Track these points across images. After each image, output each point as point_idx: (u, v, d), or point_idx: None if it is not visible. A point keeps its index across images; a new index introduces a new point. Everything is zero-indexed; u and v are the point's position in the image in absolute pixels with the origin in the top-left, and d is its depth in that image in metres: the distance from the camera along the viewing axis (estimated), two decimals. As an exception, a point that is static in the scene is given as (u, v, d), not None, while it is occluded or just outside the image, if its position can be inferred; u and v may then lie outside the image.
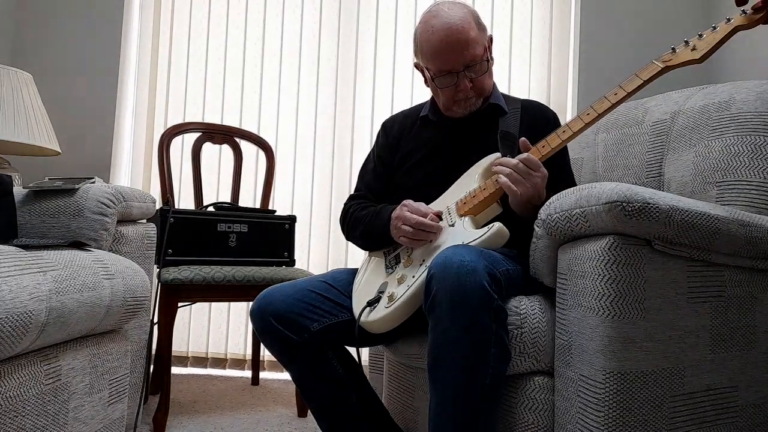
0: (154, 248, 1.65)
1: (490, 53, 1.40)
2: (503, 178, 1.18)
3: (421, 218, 1.23)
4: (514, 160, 1.19)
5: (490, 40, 1.39)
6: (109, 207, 1.46)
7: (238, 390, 2.25)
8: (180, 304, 1.81)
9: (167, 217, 1.81)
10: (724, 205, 1.24)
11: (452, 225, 1.24)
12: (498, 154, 1.31)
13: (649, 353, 0.98)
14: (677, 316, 1.01)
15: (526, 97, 1.50)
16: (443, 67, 1.32)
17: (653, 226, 0.96)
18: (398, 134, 1.51)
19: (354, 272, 1.42)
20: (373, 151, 1.55)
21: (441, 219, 1.26)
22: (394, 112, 1.60)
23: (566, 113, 2.45)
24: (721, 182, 1.27)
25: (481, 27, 1.34)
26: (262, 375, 2.45)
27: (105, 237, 1.45)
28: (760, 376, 1.11)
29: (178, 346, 2.52)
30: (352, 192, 1.56)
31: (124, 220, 1.55)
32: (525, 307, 1.11)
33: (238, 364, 2.57)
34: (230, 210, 2.00)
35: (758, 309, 1.11)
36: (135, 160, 2.54)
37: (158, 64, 2.58)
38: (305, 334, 1.25)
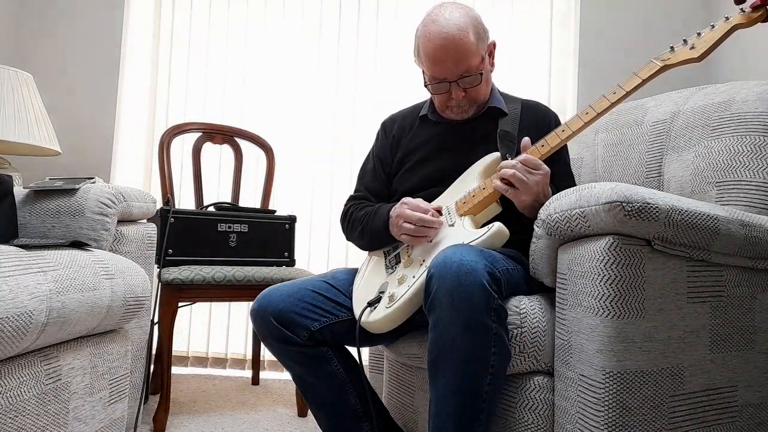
0: (155, 248, 1.65)
1: (492, 60, 1.39)
2: (502, 186, 1.18)
3: (422, 215, 1.23)
4: (513, 161, 1.19)
5: (493, 46, 1.38)
6: (109, 207, 1.46)
7: (238, 390, 2.25)
8: (180, 304, 1.81)
9: (167, 217, 1.81)
10: (724, 205, 1.24)
11: (452, 225, 1.24)
12: (497, 154, 1.31)
13: (648, 353, 0.98)
14: (677, 316, 1.01)
15: (527, 97, 1.50)
16: (437, 75, 1.32)
17: (653, 226, 0.96)
18: (398, 133, 1.51)
19: (354, 272, 1.42)
20: (372, 151, 1.56)
21: (441, 214, 1.26)
22: (394, 112, 1.60)
23: (566, 113, 2.45)
24: (721, 182, 1.27)
25: (480, 36, 1.31)
26: (263, 375, 2.45)
27: (105, 237, 1.45)
28: (760, 376, 1.11)
29: (178, 346, 2.52)
30: (352, 192, 1.56)
31: (125, 220, 1.55)
32: (525, 307, 1.11)
33: (238, 363, 2.57)
34: (230, 210, 2.00)
35: (758, 309, 1.11)
36: (135, 159, 2.54)
37: (159, 63, 2.58)
38: (305, 333, 1.25)
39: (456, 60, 1.29)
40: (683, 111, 1.46)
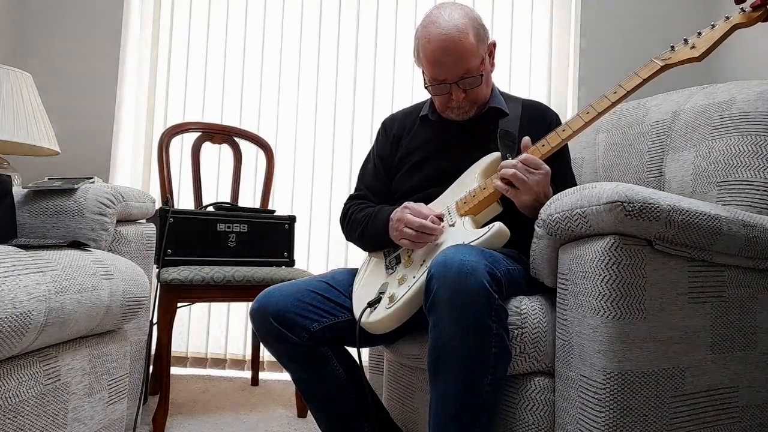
0: (154, 248, 1.65)
1: (492, 60, 1.38)
2: (502, 185, 1.18)
3: (423, 221, 1.23)
4: (514, 161, 1.19)
5: (493, 46, 1.38)
6: (108, 207, 1.46)
7: (237, 390, 2.25)
8: (179, 305, 1.81)
9: (167, 217, 1.81)
10: (725, 205, 1.24)
11: (452, 225, 1.24)
12: (498, 154, 1.30)
13: (649, 353, 0.97)
14: (678, 316, 1.00)
15: (527, 97, 1.49)
16: (437, 77, 1.32)
17: (654, 226, 0.96)
18: (398, 133, 1.50)
19: (354, 272, 1.42)
20: (372, 150, 1.55)
21: (442, 221, 1.26)
22: (394, 112, 1.60)
23: (566, 113, 2.44)
24: (722, 182, 1.27)
25: (480, 38, 1.30)
26: (262, 375, 2.45)
27: (104, 237, 1.45)
28: (761, 376, 1.11)
29: (177, 347, 2.51)
30: (352, 192, 1.55)
31: (124, 220, 1.55)
32: (525, 307, 1.11)
33: (237, 364, 2.56)
34: (230, 210, 1.99)
35: (759, 309, 1.11)
36: (134, 159, 2.53)
37: (158, 63, 2.57)
38: (305, 334, 1.24)
39: (456, 62, 1.28)
40: (684, 111, 1.46)
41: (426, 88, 1.37)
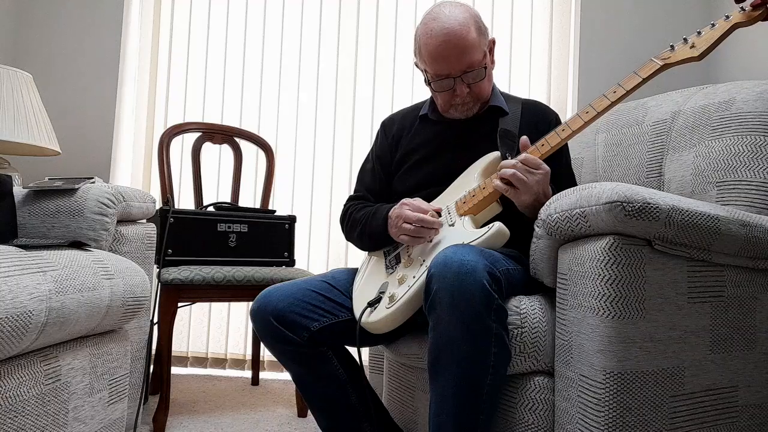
0: (154, 248, 1.65)
1: (492, 57, 1.39)
2: (502, 185, 1.18)
3: (422, 215, 1.23)
4: (513, 161, 1.19)
5: (493, 43, 1.38)
6: (109, 207, 1.46)
7: (238, 390, 2.25)
8: (180, 304, 1.81)
9: (167, 217, 1.81)
10: (725, 205, 1.24)
11: (452, 224, 1.24)
12: (498, 153, 1.31)
13: (649, 353, 0.97)
14: (677, 316, 1.00)
15: (527, 97, 1.49)
16: (440, 72, 1.32)
17: (653, 226, 0.96)
18: (398, 134, 1.50)
19: (354, 272, 1.42)
20: (372, 151, 1.55)
21: (440, 216, 1.26)
22: (394, 112, 1.60)
23: (566, 113, 2.44)
24: (722, 182, 1.27)
25: (481, 32, 1.31)
26: (262, 375, 2.45)
27: (105, 237, 1.45)
28: (761, 376, 1.11)
29: (178, 346, 2.52)
30: (352, 192, 1.56)
31: (124, 220, 1.55)
32: (525, 307, 1.11)
33: (238, 364, 2.57)
34: (230, 210, 2.00)
35: (759, 309, 1.11)
36: (135, 160, 2.54)
37: (158, 63, 2.58)
38: (305, 333, 1.24)
39: (459, 55, 1.28)
40: (684, 111, 1.46)
41: (428, 85, 1.37)
